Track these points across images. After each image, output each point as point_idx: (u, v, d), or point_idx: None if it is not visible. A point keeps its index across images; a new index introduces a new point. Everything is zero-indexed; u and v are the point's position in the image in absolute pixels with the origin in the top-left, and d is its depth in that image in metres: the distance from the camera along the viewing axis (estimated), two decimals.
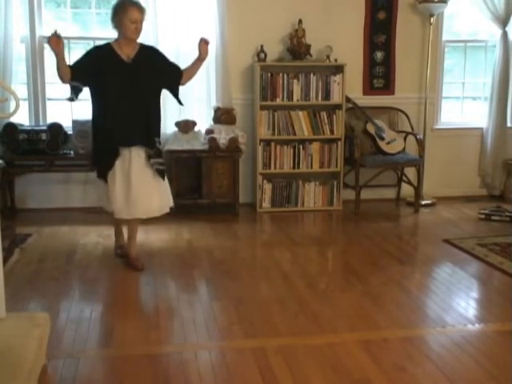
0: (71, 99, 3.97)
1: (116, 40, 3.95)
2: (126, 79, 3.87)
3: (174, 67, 4.12)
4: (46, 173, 5.37)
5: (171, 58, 5.36)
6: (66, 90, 5.59)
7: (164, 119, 5.47)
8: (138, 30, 3.88)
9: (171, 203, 4.10)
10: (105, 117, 3.90)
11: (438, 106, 6.18)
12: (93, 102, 3.99)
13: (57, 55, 3.73)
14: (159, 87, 4.07)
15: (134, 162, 3.89)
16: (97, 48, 4.00)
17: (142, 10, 3.88)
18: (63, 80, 3.85)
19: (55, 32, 3.69)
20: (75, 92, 3.92)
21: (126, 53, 3.91)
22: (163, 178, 4.02)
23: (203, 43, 4.04)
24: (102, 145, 3.94)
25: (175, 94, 4.14)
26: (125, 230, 4.26)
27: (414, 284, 3.85)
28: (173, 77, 4.09)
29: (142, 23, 3.88)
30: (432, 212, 5.73)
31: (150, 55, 4.02)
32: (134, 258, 4.09)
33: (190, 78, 4.15)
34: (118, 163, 3.88)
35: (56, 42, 3.69)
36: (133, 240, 4.12)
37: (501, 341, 2.97)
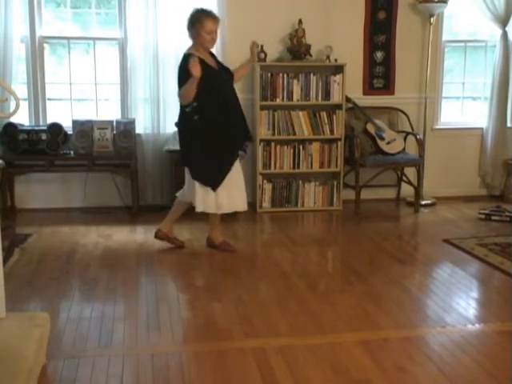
0: (195, 113, 4.14)
1: (196, 49, 4.09)
2: (222, 85, 4.12)
3: (228, 69, 4.36)
4: (46, 173, 5.37)
5: (171, 58, 5.41)
6: (65, 90, 5.62)
7: (164, 119, 5.52)
8: (215, 40, 4.13)
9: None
10: (224, 124, 4.10)
11: (438, 106, 6.18)
12: (204, 111, 4.06)
13: (194, 79, 3.88)
14: None
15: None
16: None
17: (217, 20, 4.10)
18: (187, 101, 4.03)
19: (194, 59, 3.86)
20: (194, 110, 4.09)
21: (211, 62, 4.14)
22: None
23: (255, 47, 4.33)
24: (224, 150, 4.15)
25: None
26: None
27: (414, 284, 3.85)
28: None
29: (217, 33, 4.11)
30: (432, 212, 5.73)
31: (218, 61, 4.30)
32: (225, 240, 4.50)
33: (240, 78, 4.52)
34: (236, 162, 4.24)
35: (198, 68, 3.85)
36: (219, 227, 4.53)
37: (501, 341, 2.97)
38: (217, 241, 4.44)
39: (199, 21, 4.03)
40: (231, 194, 4.22)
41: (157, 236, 4.46)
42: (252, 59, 4.40)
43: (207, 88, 3.99)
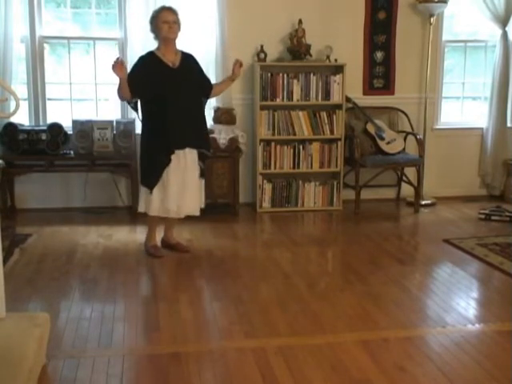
0: (135, 110, 4.22)
1: (157, 48, 4.12)
2: (173, 84, 4.04)
3: (207, 80, 4.35)
4: (46, 173, 5.37)
5: None
6: (65, 90, 5.62)
7: None
8: (173, 30, 4.07)
9: (203, 204, 4.35)
10: (161, 122, 4.04)
11: (438, 106, 6.18)
12: (145, 109, 4.13)
13: (121, 80, 3.92)
14: (200, 91, 4.27)
15: (188, 162, 4.12)
16: (142, 59, 4.12)
17: (173, 11, 4.10)
18: (123, 99, 4.15)
19: (118, 59, 3.89)
20: (136, 106, 4.17)
21: (171, 60, 4.10)
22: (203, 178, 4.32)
23: (238, 65, 4.25)
24: (157, 150, 4.07)
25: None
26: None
27: (414, 284, 3.85)
28: (204, 88, 4.31)
29: (175, 23, 4.08)
30: (432, 212, 5.73)
31: (192, 63, 4.23)
32: (179, 242, 4.46)
33: (218, 93, 4.50)
34: (173, 165, 4.05)
35: (120, 68, 3.88)
36: (172, 228, 4.46)
37: (501, 341, 2.98)
38: (149, 243, 4.37)
39: (156, 14, 4.10)
40: (166, 198, 4.07)
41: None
42: (233, 77, 4.31)
43: (153, 85, 4.00)
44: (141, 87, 4.01)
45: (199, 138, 4.20)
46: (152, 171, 4.09)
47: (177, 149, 4.07)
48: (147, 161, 4.14)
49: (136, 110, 4.16)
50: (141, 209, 4.22)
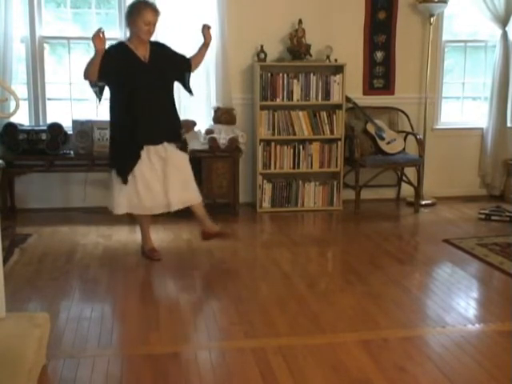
0: (99, 100, 4.13)
1: (129, 39, 4.03)
2: (145, 79, 3.97)
3: (183, 58, 4.22)
4: (46, 173, 5.37)
5: None
6: (65, 90, 5.62)
7: None
8: (151, 32, 3.98)
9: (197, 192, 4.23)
10: (128, 116, 3.96)
11: (438, 106, 6.18)
12: (114, 101, 4.06)
13: (97, 53, 3.80)
14: (173, 82, 4.19)
15: (169, 157, 4.02)
16: (113, 47, 4.01)
17: (156, 12, 3.97)
18: (90, 78, 3.94)
19: (99, 30, 3.77)
20: (100, 91, 4.04)
21: (142, 53, 4.01)
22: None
23: (206, 29, 4.15)
24: (124, 144, 4.00)
25: (186, 84, 4.26)
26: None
27: (414, 284, 3.85)
28: (183, 67, 4.21)
29: (155, 25, 3.97)
30: (432, 212, 5.73)
31: (162, 53, 4.11)
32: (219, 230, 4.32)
33: (198, 64, 4.31)
34: (144, 162, 3.98)
35: (100, 40, 3.77)
36: (203, 216, 4.26)
37: (501, 341, 2.97)
38: (146, 247, 4.31)
39: (138, 10, 3.91)
40: (139, 195, 4.02)
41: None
42: (206, 42, 4.18)
43: (122, 75, 3.91)
44: (108, 72, 3.89)
45: (169, 133, 4.08)
46: (123, 163, 4.01)
47: (146, 144, 3.99)
48: (117, 153, 4.06)
49: (99, 95, 4.06)
50: (113, 209, 4.10)
